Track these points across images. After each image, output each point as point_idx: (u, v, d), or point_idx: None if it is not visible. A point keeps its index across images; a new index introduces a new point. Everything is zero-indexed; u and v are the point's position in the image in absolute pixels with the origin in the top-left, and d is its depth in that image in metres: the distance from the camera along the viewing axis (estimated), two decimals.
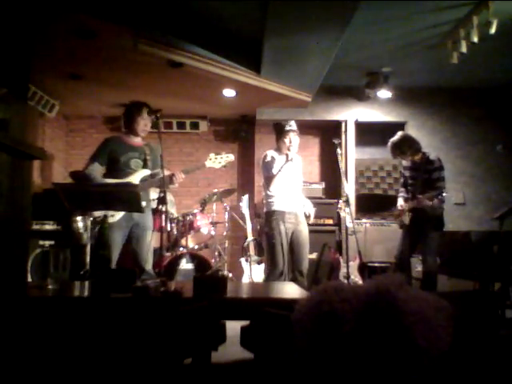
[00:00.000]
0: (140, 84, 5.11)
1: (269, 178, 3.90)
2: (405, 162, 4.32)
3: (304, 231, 3.93)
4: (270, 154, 3.99)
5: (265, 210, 4.00)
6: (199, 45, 4.39)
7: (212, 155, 3.66)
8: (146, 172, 3.53)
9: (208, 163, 3.62)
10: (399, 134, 4.34)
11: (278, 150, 4.01)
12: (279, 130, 3.99)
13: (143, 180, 3.48)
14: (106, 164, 3.48)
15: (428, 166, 4.10)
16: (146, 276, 3.38)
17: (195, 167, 3.67)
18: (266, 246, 3.94)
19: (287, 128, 3.92)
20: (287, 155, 3.89)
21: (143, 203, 3.43)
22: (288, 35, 3.99)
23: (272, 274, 3.81)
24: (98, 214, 3.33)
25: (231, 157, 3.71)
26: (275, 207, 3.89)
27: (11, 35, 1.96)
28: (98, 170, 3.43)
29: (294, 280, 3.78)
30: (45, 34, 3.75)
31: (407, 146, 4.13)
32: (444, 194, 3.86)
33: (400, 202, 4.24)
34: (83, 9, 3.52)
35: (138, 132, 3.56)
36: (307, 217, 4.01)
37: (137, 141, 3.61)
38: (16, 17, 2.01)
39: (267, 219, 3.93)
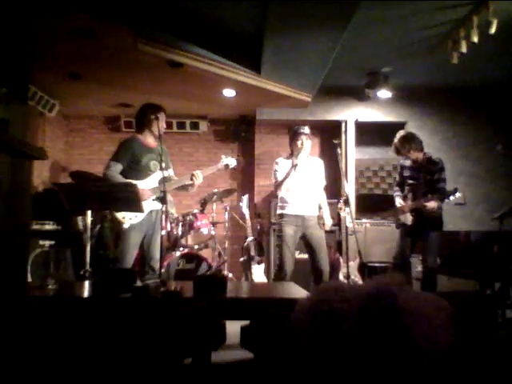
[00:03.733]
0: (140, 84, 5.11)
1: (276, 185, 4.01)
2: (405, 162, 4.30)
3: (316, 234, 3.96)
4: (279, 161, 4.08)
5: (277, 212, 4.10)
6: (199, 45, 4.39)
7: (224, 158, 3.75)
8: (163, 174, 3.53)
9: (220, 165, 3.70)
10: (404, 130, 4.35)
11: (291, 154, 4.05)
12: (292, 134, 4.08)
13: (160, 182, 3.47)
14: (127, 165, 3.48)
15: (430, 166, 4.09)
16: (154, 275, 3.40)
17: (211, 169, 3.72)
18: (277, 248, 4.03)
19: (299, 131, 4.01)
20: (293, 161, 3.93)
21: (152, 205, 3.45)
22: (288, 35, 3.99)
23: (277, 275, 3.89)
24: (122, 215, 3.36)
25: (240, 161, 3.85)
26: (283, 210, 3.97)
27: (11, 35, 1.96)
28: (118, 170, 3.44)
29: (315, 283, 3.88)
30: (45, 33, 3.75)
31: (417, 141, 4.13)
32: (458, 194, 3.84)
33: (399, 201, 4.23)
34: (83, 9, 3.52)
35: (156, 133, 3.54)
36: (323, 224, 4.06)
37: (152, 142, 3.63)
38: (16, 17, 2.01)
39: (277, 222, 4.04)
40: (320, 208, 4.12)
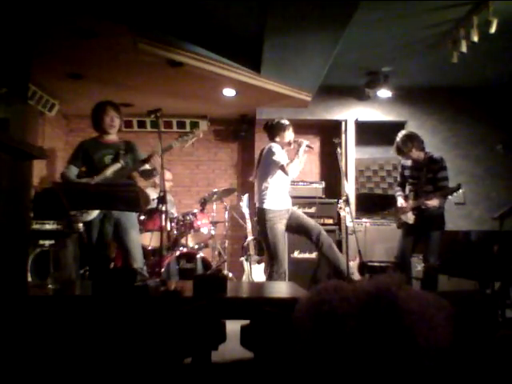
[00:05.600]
0: (140, 84, 5.11)
1: (283, 167, 3.84)
2: (406, 161, 4.30)
3: (297, 212, 4.08)
4: (274, 145, 3.98)
5: (261, 207, 3.97)
6: (199, 44, 4.39)
7: (180, 138, 3.66)
8: (117, 166, 3.57)
9: (175, 144, 3.59)
10: (406, 130, 4.37)
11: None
12: (278, 128, 4.03)
13: (115, 173, 3.53)
14: (83, 164, 3.64)
15: (432, 165, 4.09)
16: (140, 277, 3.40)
17: (164, 149, 3.48)
18: (268, 246, 3.96)
19: (287, 122, 4.03)
20: (298, 143, 3.95)
21: None
22: (288, 34, 3.99)
23: (276, 273, 3.84)
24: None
25: (198, 134, 3.66)
26: (271, 207, 3.91)
27: (11, 35, 1.97)
28: (72, 172, 3.60)
29: (322, 253, 3.93)
30: (45, 33, 3.75)
31: (419, 140, 4.14)
32: (461, 191, 3.85)
33: (400, 201, 4.23)
34: (83, 9, 3.52)
35: (105, 129, 3.65)
36: None
37: (111, 138, 3.70)
38: (16, 17, 2.01)
39: (268, 218, 3.91)
40: None
